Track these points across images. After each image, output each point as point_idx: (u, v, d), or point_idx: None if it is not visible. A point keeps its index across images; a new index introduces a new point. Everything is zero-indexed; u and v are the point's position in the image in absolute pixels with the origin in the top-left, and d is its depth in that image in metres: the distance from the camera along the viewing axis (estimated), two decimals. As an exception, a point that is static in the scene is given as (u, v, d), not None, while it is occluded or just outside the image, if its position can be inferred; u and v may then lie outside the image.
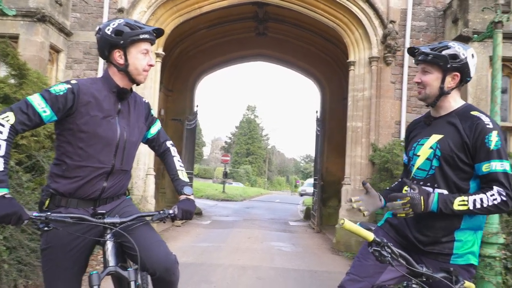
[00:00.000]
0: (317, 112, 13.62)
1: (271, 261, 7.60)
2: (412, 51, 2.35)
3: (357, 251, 8.64)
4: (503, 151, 2.12)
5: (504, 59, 4.77)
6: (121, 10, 9.30)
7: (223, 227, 12.18)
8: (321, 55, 14.90)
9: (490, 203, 2.05)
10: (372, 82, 9.41)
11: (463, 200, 2.07)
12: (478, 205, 2.05)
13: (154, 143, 2.64)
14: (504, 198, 2.06)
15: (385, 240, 1.86)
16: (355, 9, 9.54)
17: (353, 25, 9.75)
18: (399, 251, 1.90)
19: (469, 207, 2.06)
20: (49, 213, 2.03)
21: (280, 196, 43.88)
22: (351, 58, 9.80)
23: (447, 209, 2.08)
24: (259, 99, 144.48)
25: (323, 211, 13.07)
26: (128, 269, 2.20)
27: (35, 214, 2.00)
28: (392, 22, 9.33)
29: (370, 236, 1.86)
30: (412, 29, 9.52)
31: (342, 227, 1.84)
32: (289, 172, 78.56)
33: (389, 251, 1.84)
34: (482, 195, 2.07)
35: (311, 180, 51.16)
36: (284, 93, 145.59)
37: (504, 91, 7.86)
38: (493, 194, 2.06)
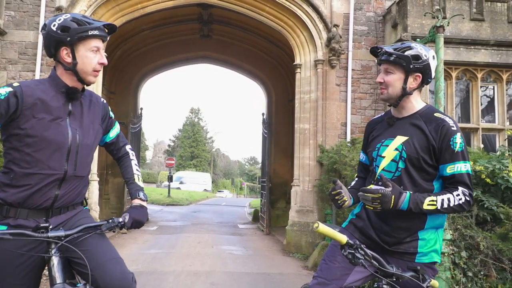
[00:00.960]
0: (263, 114, 13.69)
1: (223, 265, 7.51)
2: (375, 51, 2.37)
3: (308, 252, 8.69)
4: (466, 153, 2.19)
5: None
6: (59, 9, 8.85)
7: (171, 233, 11.91)
8: (266, 58, 15.01)
9: (456, 203, 2.11)
10: (318, 85, 9.59)
11: (432, 200, 2.11)
12: (445, 205, 2.10)
13: (113, 147, 2.48)
14: (468, 198, 2.14)
15: (358, 243, 1.86)
16: (300, 13, 9.69)
17: (298, 28, 9.90)
18: (372, 252, 1.91)
19: (437, 207, 2.10)
20: None
21: (225, 199, 43.76)
22: (297, 60, 9.94)
23: (417, 208, 2.10)
24: (202, 101, 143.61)
25: (271, 213, 13.15)
26: (77, 285, 2.03)
27: None
28: (336, 26, 9.57)
29: (344, 238, 1.85)
30: (355, 33, 9.82)
31: (316, 230, 1.81)
32: (234, 175, 78.60)
33: (362, 253, 1.85)
34: (449, 195, 2.12)
35: (179, 174, 50.28)
36: (228, 96, 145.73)
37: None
38: (459, 194, 2.13)
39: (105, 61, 2.20)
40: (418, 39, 5.87)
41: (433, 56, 2.30)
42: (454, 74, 8.93)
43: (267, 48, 14.34)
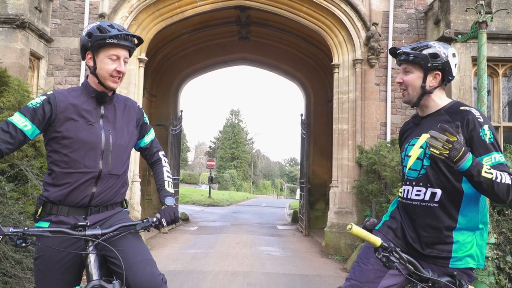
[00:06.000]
0: (302, 115, 13.62)
1: (261, 266, 7.53)
2: (394, 52, 2.36)
3: (347, 254, 8.55)
4: (497, 143, 2.11)
5: (487, 59, 4.80)
6: (102, 16, 9.17)
7: (211, 233, 12.06)
8: (304, 58, 14.93)
9: (507, 181, 1.96)
10: (356, 84, 9.44)
11: (490, 169, 1.97)
12: (499, 179, 1.95)
13: (147, 152, 2.62)
14: None
15: (392, 245, 1.82)
16: (337, 12, 9.58)
17: (336, 28, 9.79)
18: (407, 256, 1.86)
19: (493, 177, 1.95)
20: (26, 228, 1.94)
21: (266, 200, 43.82)
22: (335, 60, 9.83)
23: (475, 170, 1.94)
24: (242, 103, 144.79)
25: (310, 214, 13.06)
26: (113, 282, 2.11)
27: (11, 229, 1.90)
28: (375, 24, 9.39)
29: (378, 241, 1.82)
30: (395, 31, 9.60)
31: (349, 232, 1.80)
32: (274, 176, 78.53)
33: (397, 256, 1.80)
34: (502, 173, 1.99)
35: None
36: (268, 97, 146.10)
37: (487, 92, 7.96)
38: (510, 176, 1.99)
39: (123, 69, 2.30)
40: (459, 36, 5.66)
41: (453, 54, 2.25)
42: (501, 71, 8.55)
43: (305, 49, 14.27)
